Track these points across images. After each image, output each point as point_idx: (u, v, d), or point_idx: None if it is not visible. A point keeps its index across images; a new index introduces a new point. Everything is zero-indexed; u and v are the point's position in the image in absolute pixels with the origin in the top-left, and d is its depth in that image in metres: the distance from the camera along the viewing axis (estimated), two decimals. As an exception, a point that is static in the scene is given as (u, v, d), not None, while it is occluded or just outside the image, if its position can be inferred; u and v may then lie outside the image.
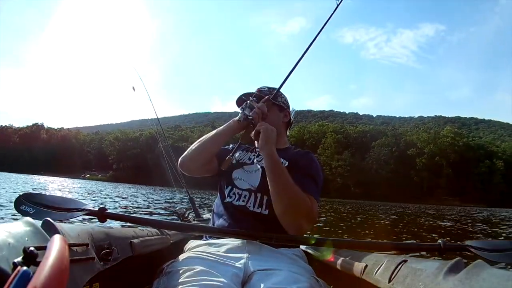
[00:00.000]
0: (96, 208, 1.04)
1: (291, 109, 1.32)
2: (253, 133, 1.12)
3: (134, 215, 4.90)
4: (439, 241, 0.97)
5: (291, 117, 1.32)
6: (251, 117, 1.13)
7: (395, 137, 75.09)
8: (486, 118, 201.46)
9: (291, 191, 0.99)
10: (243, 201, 1.11)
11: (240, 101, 1.28)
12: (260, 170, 1.15)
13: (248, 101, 1.17)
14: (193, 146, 1.21)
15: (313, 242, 0.97)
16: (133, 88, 1.48)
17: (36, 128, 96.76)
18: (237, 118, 1.18)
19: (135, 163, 76.70)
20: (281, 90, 1.29)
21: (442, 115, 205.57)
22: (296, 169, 1.11)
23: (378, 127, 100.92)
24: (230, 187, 1.17)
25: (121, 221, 1.14)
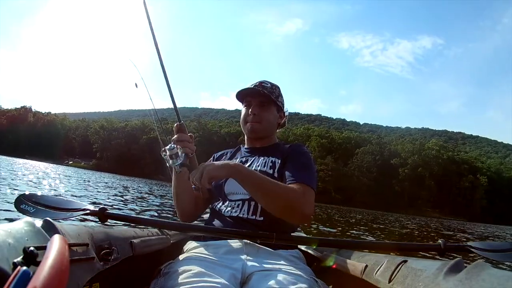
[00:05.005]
0: (97, 208, 1.04)
1: (285, 109, 1.32)
2: (194, 179, 0.96)
3: (133, 214, 4.80)
4: (440, 241, 0.98)
5: (286, 119, 1.33)
6: (181, 164, 1.02)
7: (380, 146, 75.34)
8: (474, 134, 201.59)
9: (275, 194, 0.98)
10: (236, 211, 1.09)
11: (239, 96, 1.28)
12: None
13: (166, 149, 1.01)
14: (174, 202, 1.21)
15: (314, 246, 0.97)
16: (136, 85, 1.45)
17: (24, 111, 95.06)
18: (176, 170, 1.07)
19: (119, 153, 76.00)
20: (280, 90, 1.29)
21: (430, 128, 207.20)
22: (288, 162, 1.13)
23: (363, 134, 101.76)
24: (221, 201, 1.15)
25: (121, 221, 1.13)
